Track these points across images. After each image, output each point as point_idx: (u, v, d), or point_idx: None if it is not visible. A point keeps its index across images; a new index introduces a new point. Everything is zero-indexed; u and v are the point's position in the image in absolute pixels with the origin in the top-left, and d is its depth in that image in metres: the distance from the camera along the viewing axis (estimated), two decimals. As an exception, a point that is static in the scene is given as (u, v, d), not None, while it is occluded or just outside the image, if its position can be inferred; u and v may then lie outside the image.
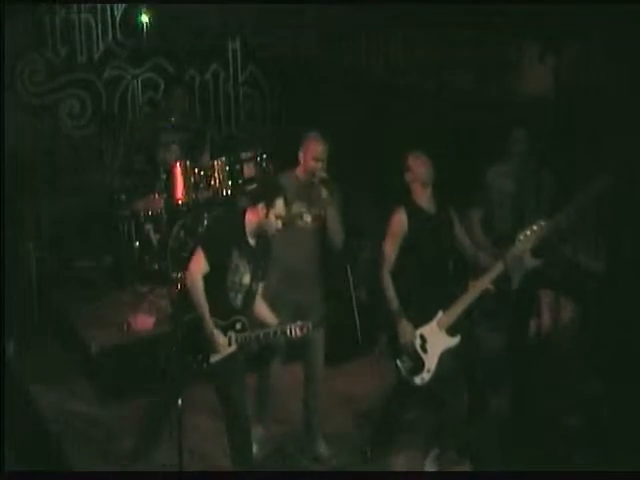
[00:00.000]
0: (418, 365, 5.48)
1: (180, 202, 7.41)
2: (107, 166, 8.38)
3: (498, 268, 5.44)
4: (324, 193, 5.48)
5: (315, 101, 8.69)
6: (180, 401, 4.87)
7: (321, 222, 5.61)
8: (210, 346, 5.01)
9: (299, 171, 5.64)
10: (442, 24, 7.74)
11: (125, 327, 6.86)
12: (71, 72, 8.19)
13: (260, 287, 5.25)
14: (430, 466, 5.62)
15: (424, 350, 5.48)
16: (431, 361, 5.47)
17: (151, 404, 5.29)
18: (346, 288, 7.27)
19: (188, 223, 7.56)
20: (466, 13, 7.24)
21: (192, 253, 5.06)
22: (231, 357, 5.12)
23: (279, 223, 5.06)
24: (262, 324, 5.20)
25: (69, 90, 8.19)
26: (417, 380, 5.48)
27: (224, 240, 5.06)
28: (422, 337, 5.49)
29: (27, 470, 5.38)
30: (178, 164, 7.64)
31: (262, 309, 5.27)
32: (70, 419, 6.30)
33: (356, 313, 7.28)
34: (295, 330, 5.10)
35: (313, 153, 5.53)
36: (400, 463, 5.77)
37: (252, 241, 5.10)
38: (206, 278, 4.98)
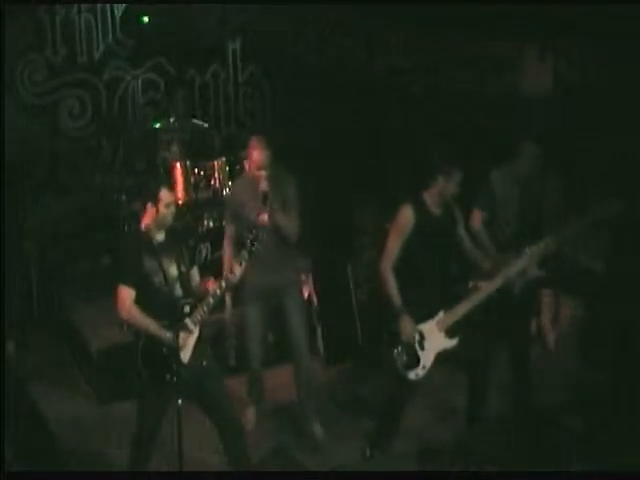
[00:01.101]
0: (414, 360, 5.50)
1: (180, 202, 7.41)
2: (107, 166, 8.37)
3: (501, 279, 5.46)
4: (265, 205, 5.57)
5: (315, 101, 8.68)
6: (180, 401, 4.89)
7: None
8: (176, 351, 5.04)
9: (247, 175, 5.81)
10: (445, 24, 7.75)
11: (125, 327, 6.86)
12: (71, 72, 8.17)
13: (194, 268, 5.32)
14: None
15: (421, 347, 5.51)
16: (427, 359, 5.50)
17: (143, 410, 5.30)
18: (346, 288, 7.32)
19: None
20: (468, 13, 7.25)
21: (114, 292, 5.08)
22: (200, 348, 5.15)
23: (172, 209, 5.09)
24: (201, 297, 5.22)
25: (69, 90, 8.17)
26: (411, 375, 5.50)
27: (128, 258, 5.10)
28: (421, 334, 5.51)
29: (27, 470, 5.38)
30: (178, 164, 7.65)
31: (203, 283, 5.30)
32: (70, 419, 6.30)
33: (356, 313, 7.33)
34: (235, 270, 5.10)
35: (256, 163, 5.64)
36: (400, 462, 5.77)
37: (160, 236, 5.13)
38: (138, 300, 5.03)
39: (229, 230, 5.99)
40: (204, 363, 5.18)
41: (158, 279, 5.05)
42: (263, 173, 5.61)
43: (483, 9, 6.96)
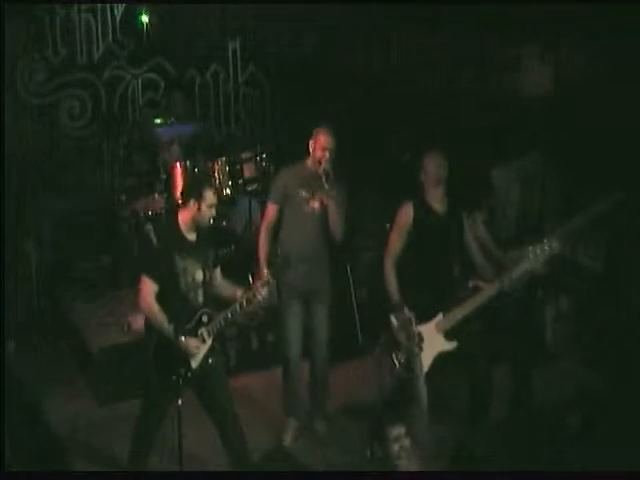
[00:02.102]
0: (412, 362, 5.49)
1: (180, 202, 7.40)
2: (107, 166, 8.35)
3: (504, 281, 5.43)
4: (325, 184, 5.65)
5: (315, 101, 8.68)
6: (180, 401, 4.89)
7: (326, 209, 5.81)
8: (186, 356, 5.06)
9: (308, 161, 5.85)
10: (445, 24, 7.75)
11: (125, 327, 6.86)
12: (71, 72, 8.16)
13: (217, 272, 5.34)
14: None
15: (420, 348, 5.49)
16: (425, 361, 5.48)
17: (146, 407, 5.31)
18: (346, 288, 7.32)
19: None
20: (468, 13, 7.24)
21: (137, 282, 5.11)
22: (210, 354, 5.18)
23: (212, 211, 5.14)
24: (227, 303, 5.23)
25: (69, 90, 8.16)
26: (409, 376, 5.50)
27: (161, 253, 5.14)
28: (419, 335, 5.49)
29: (27, 470, 5.38)
30: (178, 164, 7.65)
31: (223, 287, 5.33)
32: (70, 419, 6.30)
33: (356, 313, 7.33)
34: (259, 293, 5.12)
35: (322, 143, 5.75)
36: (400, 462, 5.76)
37: (192, 237, 5.16)
38: (159, 297, 5.05)
39: (271, 211, 5.93)
40: (210, 361, 5.19)
41: (184, 281, 5.07)
42: (327, 154, 5.72)
43: (483, 9, 6.96)
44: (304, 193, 5.82)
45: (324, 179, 5.67)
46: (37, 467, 5.52)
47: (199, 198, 5.08)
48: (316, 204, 5.80)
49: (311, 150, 5.83)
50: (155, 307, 5.03)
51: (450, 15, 7.46)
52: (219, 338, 6.57)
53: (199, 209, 5.08)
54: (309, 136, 5.86)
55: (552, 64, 7.09)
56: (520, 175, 6.04)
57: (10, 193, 7.25)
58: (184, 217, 5.15)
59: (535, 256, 5.37)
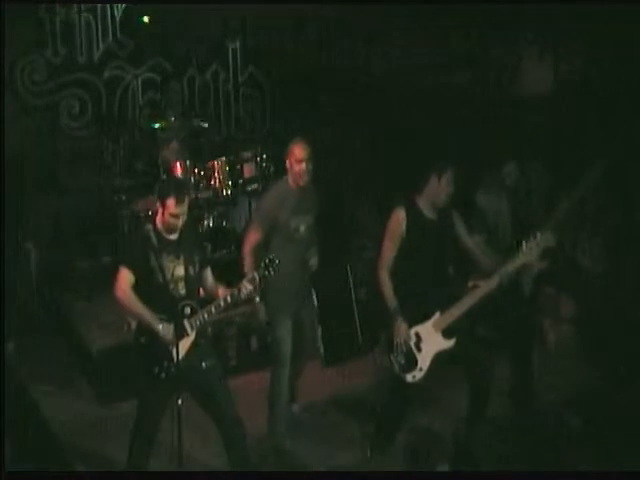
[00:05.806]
0: (411, 363, 5.50)
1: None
2: (107, 166, 8.36)
3: (499, 277, 5.42)
4: (314, 195, 5.59)
5: (315, 101, 8.69)
6: (180, 401, 4.89)
7: (313, 229, 5.74)
8: (168, 348, 5.06)
9: (290, 181, 5.78)
10: (445, 24, 7.76)
11: (125, 327, 6.86)
12: (71, 72, 8.17)
13: (208, 269, 5.34)
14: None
15: (418, 349, 5.50)
16: (424, 360, 5.49)
17: (141, 406, 5.32)
18: (346, 288, 7.33)
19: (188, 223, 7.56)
20: (469, 13, 7.26)
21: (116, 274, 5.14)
22: (196, 350, 5.16)
23: (178, 222, 5.11)
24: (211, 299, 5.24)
25: (69, 90, 8.17)
26: (409, 377, 5.50)
27: (136, 248, 5.16)
28: (417, 335, 5.50)
29: (27, 470, 5.38)
30: (178, 164, 7.65)
31: (214, 288, 5.32)
32: (70, 419, 6.31)
33: (356, 313, 7.34)
34: (244, 287, 5.11)
35: (297, 156, 5.68)
36: (400, 463, 5.77)
37: (172, 236, 5.16)
38: (137, 287, 5.08)
39: (253, 236, 5.78)
40: (204, 365, 5.18)
41: (162, 276, 5.05)
42: (304, 165, 5.66)
43: (483, 9, 6.98)
44: (294, 222, 5.74)
45: (312, 188, 5.59)
46: (37, 467, 5.52)
47: (163, 204, 5.09)
48: (303, 228, 5.76)
49: (289, 166, 5.75)
50: (130, 294, 5.06)
51: (450, 15, 7.47)
52: (217, 341, 6.59)
53: (163, 215, 5.11)
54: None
55: (552, 64, 7.11)
56: (504, 187, 6.02)
57: (10, 193, 7.25)
58: (158, 218, 5.18)
59: (529, 250, 5.37)
